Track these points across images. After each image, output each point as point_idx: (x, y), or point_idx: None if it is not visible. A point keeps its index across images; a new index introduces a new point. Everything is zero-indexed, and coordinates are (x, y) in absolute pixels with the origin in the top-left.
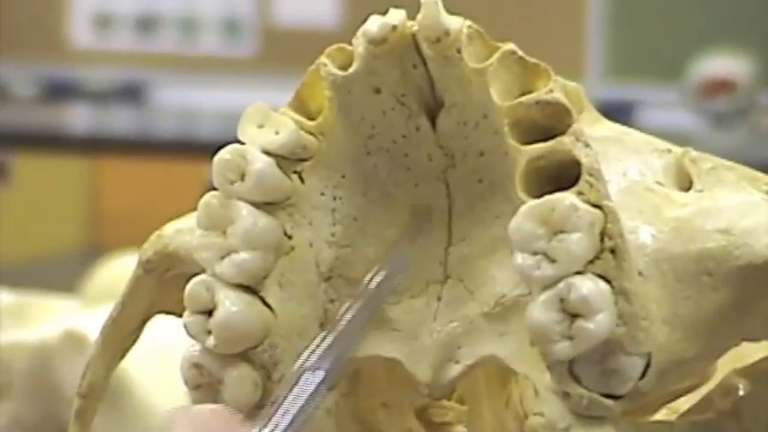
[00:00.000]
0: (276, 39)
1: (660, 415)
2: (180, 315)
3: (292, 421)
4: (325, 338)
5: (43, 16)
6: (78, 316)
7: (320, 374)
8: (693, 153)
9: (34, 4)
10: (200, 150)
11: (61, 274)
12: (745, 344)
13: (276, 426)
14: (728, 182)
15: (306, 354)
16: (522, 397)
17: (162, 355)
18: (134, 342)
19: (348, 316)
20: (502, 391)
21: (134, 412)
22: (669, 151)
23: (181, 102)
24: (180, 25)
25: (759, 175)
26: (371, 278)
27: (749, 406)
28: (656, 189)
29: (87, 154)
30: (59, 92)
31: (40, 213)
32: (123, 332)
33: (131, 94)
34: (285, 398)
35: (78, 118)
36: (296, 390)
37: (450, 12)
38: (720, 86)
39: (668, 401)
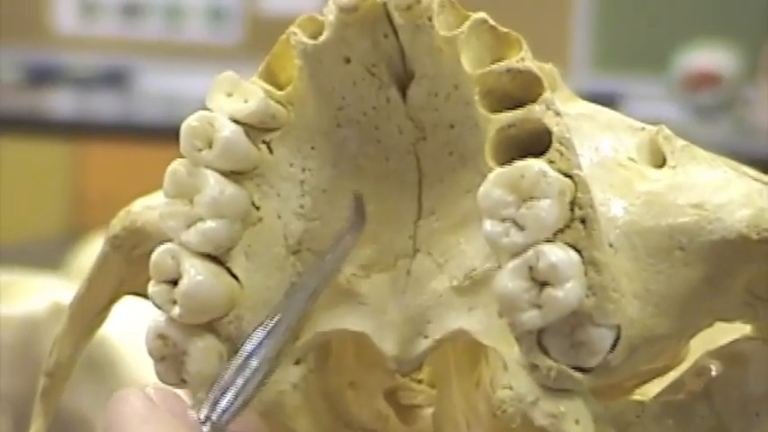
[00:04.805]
0: (261, 26)
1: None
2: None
3: (239, 406)
4: (274, 319)
5: (29, 1)
6: (64, 291)
7: (266, 359)
8: (667, 131)
9: None
10: None
11: (44, 256)
12: (718, 327)
13: (222, 411)
14: (702, 159)
15: (254, 336)
16: (493, 378)
17: None
18: (102, 321)
19: (297, 291)
20: (472, 371)
21: (120, 386)
22: (643, 129)
23: (165, 88)
24: (165, 12)
25: (740, 165)
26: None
27: (720, 387)
28: (629, 165)
29: (71, 138)
30: (44, 77)
31: (22, 197)
32: (91, 311)
33: (116, 79)
34: (232, 382)
35: (62, 103)
36: (244, 374)
37: None
38: (705, 79)
39: (640, 384)
